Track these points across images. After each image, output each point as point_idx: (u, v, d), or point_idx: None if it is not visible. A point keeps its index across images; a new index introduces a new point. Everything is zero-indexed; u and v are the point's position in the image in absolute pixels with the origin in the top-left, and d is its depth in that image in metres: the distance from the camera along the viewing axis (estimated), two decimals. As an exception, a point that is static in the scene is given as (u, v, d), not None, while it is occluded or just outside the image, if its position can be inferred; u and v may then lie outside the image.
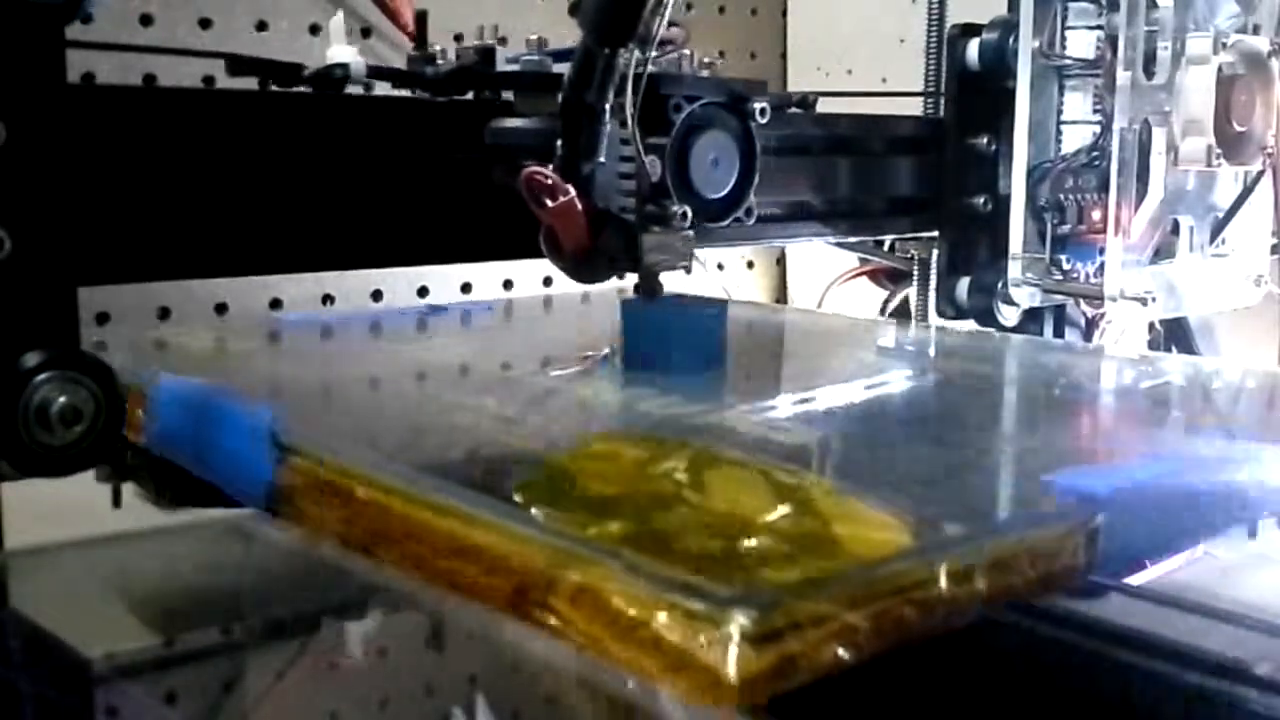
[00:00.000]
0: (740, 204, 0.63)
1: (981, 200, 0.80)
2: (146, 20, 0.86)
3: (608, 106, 0.56)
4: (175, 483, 0.54)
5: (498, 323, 0.88)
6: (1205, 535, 0.49)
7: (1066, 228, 0.78)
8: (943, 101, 0.84)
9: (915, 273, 0.88)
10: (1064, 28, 0.78)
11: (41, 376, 0.46)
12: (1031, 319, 0.81)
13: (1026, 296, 0.79)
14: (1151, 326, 0.79)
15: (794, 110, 0.76)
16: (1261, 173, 0.78)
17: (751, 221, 0.63)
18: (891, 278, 0.98)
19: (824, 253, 1.02)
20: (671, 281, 0.64)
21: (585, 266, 0.59)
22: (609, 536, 0.38)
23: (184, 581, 0.57)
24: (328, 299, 0.94)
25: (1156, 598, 0.49)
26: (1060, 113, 0.79)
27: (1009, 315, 0.80)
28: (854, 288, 1.03)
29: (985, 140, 0.80)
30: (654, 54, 0.57)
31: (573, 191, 0.56)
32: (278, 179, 0.61)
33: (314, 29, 0.93)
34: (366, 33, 0.94)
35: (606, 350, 0.66)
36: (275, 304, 0.92)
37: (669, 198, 0.59)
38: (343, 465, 0.45)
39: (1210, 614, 0.47)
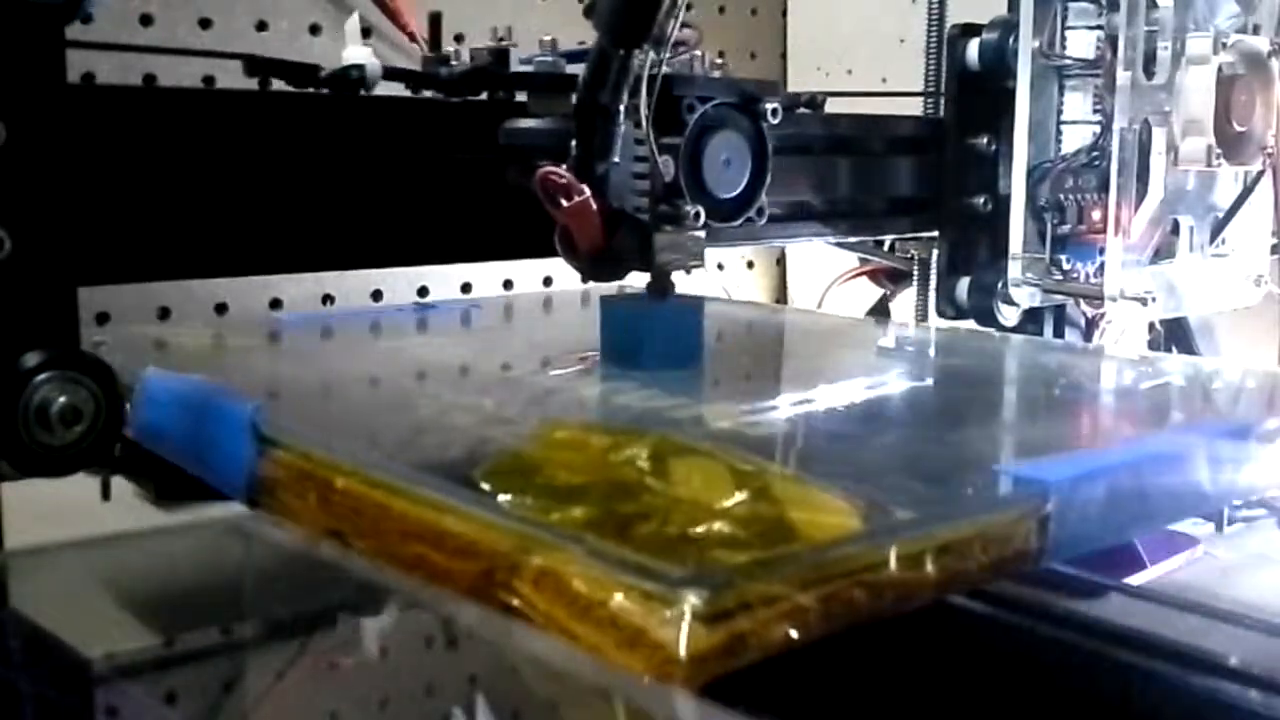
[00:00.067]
0: (752, 204, 0.63)
1: (981, 200, 0.80)
2: (146, 20, 0.86)
3: (622, 107, 0.57)
4: (162, 476, 0.55)
5: (490, 322, 0.88)
6: (1158, 522, 0.51)
7: (1066, 228, 0.78)
8: (943, 101, 0.84)
9: (915, 273, 0.88)
10: (1064, 28, 0.78)
11: (41, 376, 0.46)
12: (1031, 319, 0.81)
13: (1026, 296, 0.79)
14: (1151, 326, 0.79)
15: (802, 110, 0.77)
16: (1261, 173, 0.78)
17: (763, 221, 0.64)
18: (891, 278, 0.98)
19: (824, 253, 1.02)
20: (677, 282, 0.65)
21: (599, 265, 0.60)
22: (572, 522, 0.39)
23: (184, 581, 0.57)
24: (328, 299, 0.94)
25: (1156, 598, 0.49)
26: (1060, 113, 0.79)
27: (1009, 315, 0.80)
28: (854, 288, 1.03)
29: (985, 140, 0.80)
30: (667, 55, 0.57)
31: (588, 191, 0.57)
32: (277, 179, 0.61)
33: (314, 29, 0.93)
34: (367, 33, 0.94)
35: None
36: (275, 304, 0.92)
37: (682, 197, 0.60)
38: (321, 456, 0.46)
39: (1210, 614, 0.47)
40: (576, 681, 0.35)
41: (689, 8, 0.57)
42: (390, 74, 0.66)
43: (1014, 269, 0.78)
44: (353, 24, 0.66)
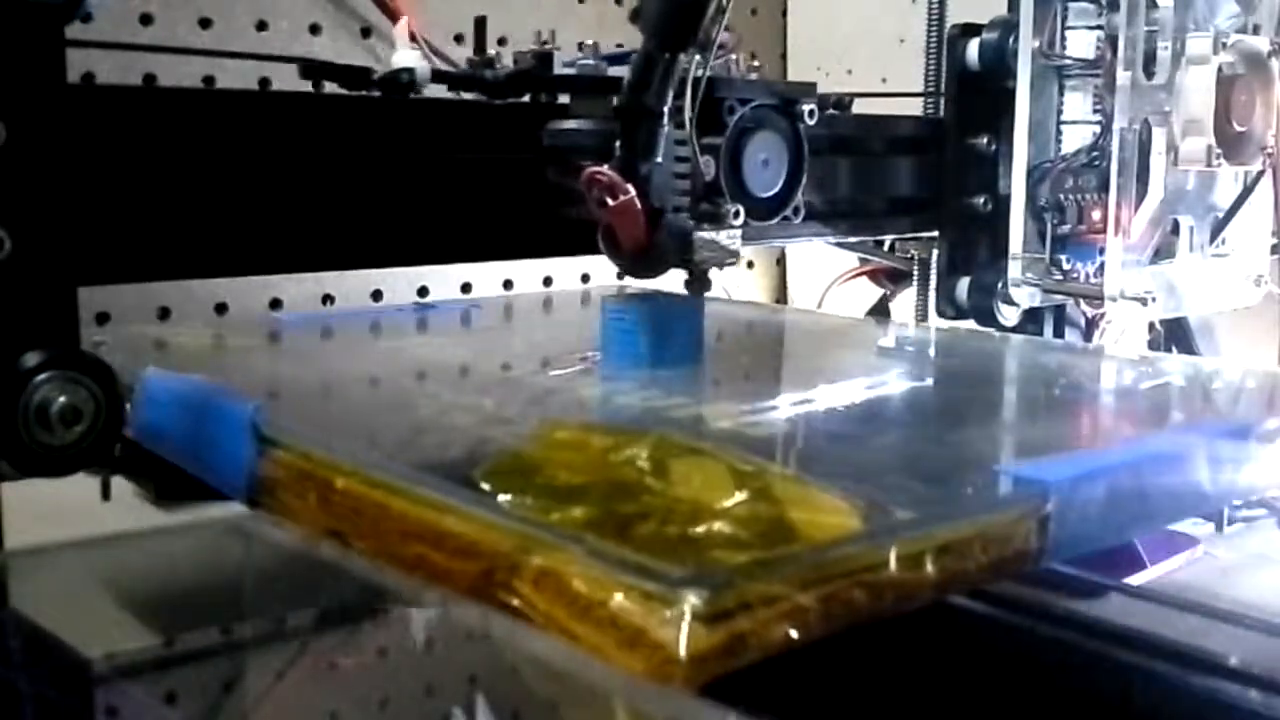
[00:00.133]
0: (789, 203, 0.65)
1: (981, 200, 0.80)
2: (146, 20, 0.86)
3: (666, 109, 0.58)
4: (162, 475, 0.55)
5: (490, 322, 0.88)
6: (1158, 522, 0.51)
7: (1066, 228, 0.78)
8: (943, 101, 0.84)
9: (915, 273, 0.88)
10: (1064, 28, 0.78)
11: (41, 376, 0.46)
12: (1031, 319, 0.81)
13: (1026, 296, 0.79)
14: (1151, 326, 0.79)
15: (831, 112, 0.77)
16: (1261, 173, 0.78)
17: (799, 220, 0.65)
18: (891, 278, 0.98)
19: (824, 253, 1.02)
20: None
21: (641, 263, 0.60)
22: (572, 522, 0.39)
23: (184, 581, 0.57)
24: (328, 299, 0.94)
25: (1156, 598, 0.49)
26: (1060, 113, 0.79)
27: (1009, 315, 0.80)
28: (854, 288, 1.03)
29: (985, 140, 0.80)
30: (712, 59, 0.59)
31: (633, 190, 0.58)
32: (277, 179, 0.61)
33: (314, 29, 0.93)
34: (366, 33, 0.94)
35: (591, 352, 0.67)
36: (275, 304, 0.92)
37: (722, 196, 0.61)
38: (321, 456, 0.46)
39: (1210, 614, 0.47)
40: (576, 681, 0.35)
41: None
42: (439, 77, 0.67)
43: (1014, 269, 0.78)
44: (401, 28, 0.68)
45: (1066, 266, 0.78)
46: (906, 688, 0.46)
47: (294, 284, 0.92)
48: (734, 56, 0.66)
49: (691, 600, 0.32)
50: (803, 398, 0.60)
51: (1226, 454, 0.50)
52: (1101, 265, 0.75)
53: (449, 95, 0.69)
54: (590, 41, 0.68)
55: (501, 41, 0.69)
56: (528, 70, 0.67)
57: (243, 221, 0.60)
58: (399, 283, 0.97)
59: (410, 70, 0.64)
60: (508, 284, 1.03)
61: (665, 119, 0.58)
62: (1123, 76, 0.73)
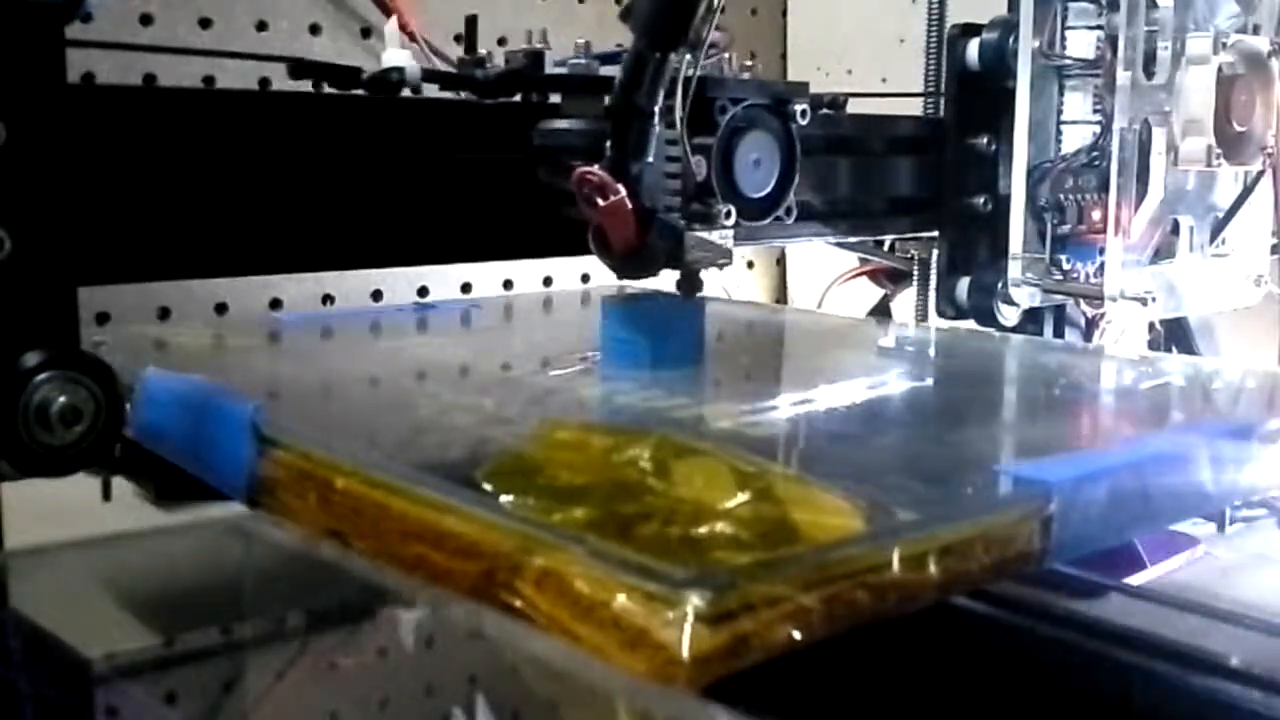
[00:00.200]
0: (780, 203, 0.65)
1: (981, 200, 0.80)
2: (146, 20, 0.86)
3: (657, 109, 0.57)
4: (162, 475, 0.55)
5: (490, 322, 0.88)
6: (1160, 523, 0.51)
7: (1066, 228, 0.78)
8: (943, 101, 0.84)
9: (915, 273, 0.88)
10: (1064, 28, 0.78)
11: (41, 376, 0.46)
12: (1031, 319, 0.81)
13: (1026, 296, 0.79)
14: (1151, 326, 0.79)
15: (826, 111, 0.77)
16: (1261, 173, 0.78)
17: (791, 220, 0.65)
18: (891, 278, 0.98)
19: (824, 253, 1.02)
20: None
21: (632, 263, 0.60)
22: (574, 522, 0.39)
23: (184, 581, 0.57)
24: (328, 299, 0.94)
25: (1156, 598, 0.49)
26: (1060, 113, 0.79)
27: (1009, 315, 0.80)
28: (854, 288, 1.03)
29: (985, 140, 0.80)
30: (703, 58, 0.58)
31: (623, 191, 0.57)
32: (277, 179, 0.61)
33: (314, 29, 0.93)
34: (366, 33, 0.94)
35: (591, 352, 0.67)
36: (275, 304, 0.92)
37: (713, 197, 0.61)
38: (321, 456, 0.46)
39: (1210, 614, 0.47)
40: (576, 681, 0.35)
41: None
42: (429, 76, 0.66)
43: (1014, 269, 0.78)
44: (391, 27, 0.67)
45: (1066, 266, 0.78)
46: (906, 688, 0.46)
47: (294, 284, 0.92)
48: (727, 56, 0.65)
49: (694, 601, 0.32)
50: (803, 398, 0.60)
51: (1228, 454, 0.50)
52: (1101, 265, 0.75)
53: (449, 95, 0.68)
54: (583, 41, 0.67)
55: (501, 41, 0.69)
56: (519, 70, 0.67)
57: (242, 221, 0.60)
58: (399, 283, 0.97)
59: (400, 69, 0.64)
60: (508, 284, 1.03)
61: (656, 119, 0.58)
62: (1123, 76, 0.73)
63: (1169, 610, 0.48)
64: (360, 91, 0.64)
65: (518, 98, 0.68)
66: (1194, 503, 0.51)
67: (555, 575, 0.35)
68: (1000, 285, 0.79)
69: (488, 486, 0.43)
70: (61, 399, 0.47)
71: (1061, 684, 0.44)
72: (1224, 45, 0.74)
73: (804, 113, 0.65)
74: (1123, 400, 0.66)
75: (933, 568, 0.38)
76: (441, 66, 0.69)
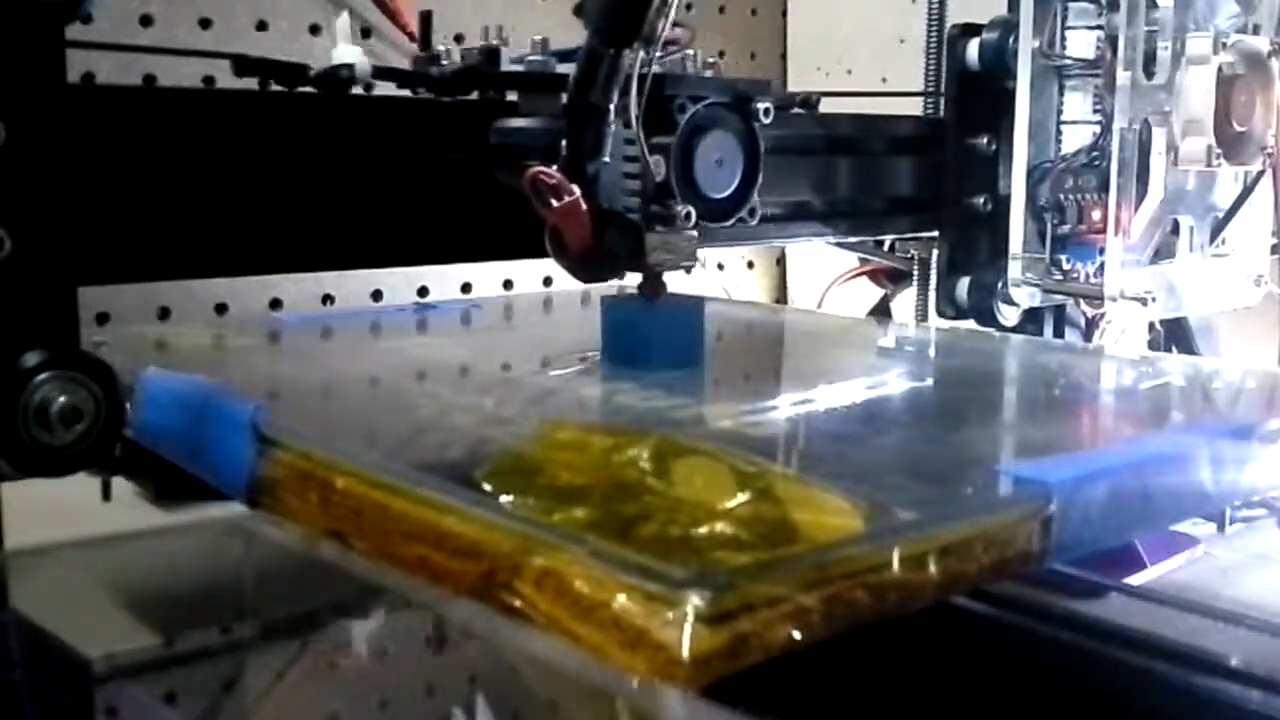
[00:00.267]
0: (744, 204, 0.63)
1: (981, 200, 0.80)
2: (146, 20, 0.86)
3: (612, 107, 0.56)
4: (161, 475, 0.55)
5: (490, 322, 0.88)
6: (1160, 523, 0.51)
7: (1066, 228, 0.78)
8: (943, 101, 0.84)
9: (915, 273, 0.88)
10: (1064, 28, 0.78)
11: (41, 376, 0.46)
12: (1031, 319, 0.81)
13: (1026, 296, 0.79)
14: (1151, 326, 0.79)
15: (797, 110, 0.76)
16: (1261, 173, 0.78)
17: (755, 222, 0.63)
18: (891, 278, 0.98)
19: (824, 253, 1.02)
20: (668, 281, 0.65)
21: (590, 266, 0.59)
22: (574, 522, 0.39)
23: (184, 581, 0.57)
24: (328, 299, 0.94)
25: (1156, 598, 0.49)
26: (1060, 113, 0.79)
27: (1009, 315, 0.80)
28: (854, 288, 1.03)
29: (985, 140, 0.80)
30: (658, 54, 0.57)
31: (578, 191, 0.57)
32: (278, 179, 0.61)
33: (314, 29, 0.93)
34: (366, 33, 0.94)
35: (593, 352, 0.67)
36: (275, 304, 0.92)
37: (673, 198, 0.59)
38: (322, 456, 0.46)
39: (1210, 614, 0.48)
40: (577, 681, 0.35)
41: (688, 7, 0.57)
42: (380, 73, 0.66)
43: (1014, 269, 0.78)
44: (343, 23, 0.66)
45: (1066, 266, 0.78)
46: (905, 687, 0.46)
47: (294, 284, 0.92)
48: (690, 53, 0.64)
49: (694, 601, 0.32)
50: (803, 398, 0.60)
51: (1228, 454, 0.50)
52: (1101, 265, 0.75)
53: (449, 97, 0.68)
54: (539, 37, 0.66)
55: (504, 41, 0.69)
56: (474, 67, 0.66)
57: (242, 221, 0.60)
58: (399, 283, 0.97)
59: (350, 66, 0.63)
60: (508, 284, 1.03)
61: (611, 117, 0.56)
62: (1123, 76, 0.73)
63: (1169, 610, 0.48)
64: (308, 89, 0.64)
65: (474, 95, 0.67)
66: (1194, 503, 0.51)
67: (555, 575, 0.35)
68: (1000, 285, 0.79)
69: (488, 486, 0.42)
70: (61, 399, 0.47)
71: (1061, 684, 0.44)
72: (1224, 45, 0.74)
73: (767, 111, 0.63)
74: (1122, 400, 0.66)
75: (932, 568, 0.38)
76: (378, 63, 0.67)
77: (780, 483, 0.43)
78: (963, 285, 0.81)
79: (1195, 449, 0.49)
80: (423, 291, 0.98)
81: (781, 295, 1.22)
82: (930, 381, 0.69)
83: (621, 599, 0.33)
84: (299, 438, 0.48)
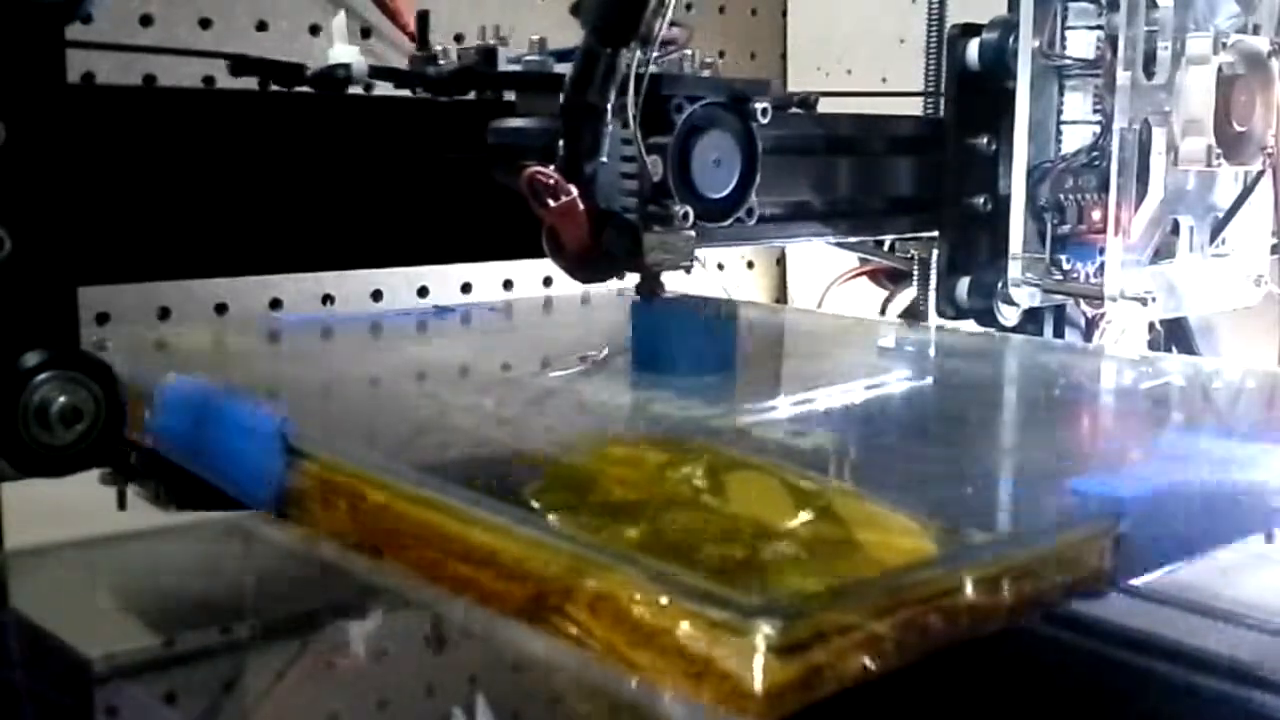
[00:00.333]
0: (742, 204, 0.62)
1: (981, 200, 0.80)
2: (146, 20, 0.86)
3: (610, 107, 0.56)
4: (180, 485, 0.54)
5: (508, 324, 0.87)
6: (1228, 538, 0.48)
7: (1066, 228, 0.78)
8: (943, 101, 0.84)
9: (915, 273, 0.87)
10: (1064, 28, 0.78)
11: (41, 376, 0.46)
12: (1031, 319, 0.81)
13: (1026, 296, 0.79)
14: (1151, 326, 0.79)
15: (795, 110, 0.76)
16: (1261, 173, 0.78)
17: (753, 222, 0.63)
18: (891, 278, 0.98)
19: (824, 253, 1.02)
20: (669, 281, 0.64)
21: (587, 266, 0.59)
22: (627, 542, 0.37)
23: (184, 581, 0.57)
24: (328, 299, 0.94)
25: (1156, 598, 0.49)
26: (1060, 113, 0.79)
27: (1009, 315, 0.80)
28: (854, 288, 1.03)
29: (985, 140, 0.80)
30: (656, 54, 0.57)
31: (575, 191, 0.56)
32: (278, 179, 0.61)
33: (314, 29, 0.93)
34: (366, 33, 0.94)
35: (606, 351, 0.66)
36: (275, 304, 0.92)
37: (671, 198, 0.59)
38: (354, 469, 0.44)
39: (1210, 614, 0.47)
40: (577, 681, 0.34)
41: (688, 7, 0.57)
42: (377, 73, 0.66)
43: (1014, 269, 0.78)
44: (339, 22, 0.66)
45: (1066, 266, 0.78)
46: (904, 687, 0.46)
47: (294, 284, 0.92)
48: (687, 53, 0.64)
49: (765, 630, 0.31)
50: (848, 407, 0.59)
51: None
52: (1101, 265, 0.75)
53: (446, 97, 0.68)
54: (537, 37, 0.66)
55: (502, 41, 0.69)
56: (471, 67, 0.66)
57: (243, 221, 0.60)
58: (398, 283, 0.97)
59: (346, 66, 0.63)
60: (508, 284, 1.03)
61: (609, 117, 0.56)
62: (1123, 76, 0.73)
63: (1169, 610, 0.48)
64: (306, 88, 0.64)
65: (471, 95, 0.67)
66: (1262, 517, 0.49)
67: (610, 599, 0.33)
68: (1000, 285, 0.79)
69: (536, 504, 0.41)
70: (61, 399, 0.47)
71: (1061, 684, 0.44)
72: (1224, 45, 0.74)
73: (765, 111, 0.62)
74: (1181, 410, 0.64)
75: (1006, 591, 0.36)
76: (374, 62, 0.67)
77: (839, 500, 0.41)
78: (963, 285, 0.81)
79: (1259, 460, 0.48)
80: (423, 292, 0.98)
81: (781, 295, 1.22)
82: (973, 389, 0.67)
83: (685, 626, 0.31)
84: (330, 449, 0.46)
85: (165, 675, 0.48)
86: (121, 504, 0.58)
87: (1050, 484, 0.46)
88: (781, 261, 1.22)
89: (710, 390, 0.59)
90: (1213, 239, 0.80)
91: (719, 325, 0.63)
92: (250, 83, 0.66)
